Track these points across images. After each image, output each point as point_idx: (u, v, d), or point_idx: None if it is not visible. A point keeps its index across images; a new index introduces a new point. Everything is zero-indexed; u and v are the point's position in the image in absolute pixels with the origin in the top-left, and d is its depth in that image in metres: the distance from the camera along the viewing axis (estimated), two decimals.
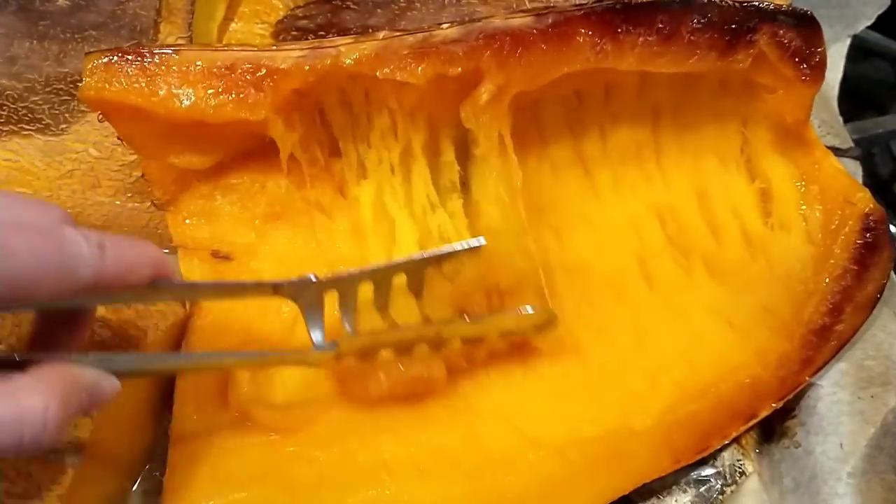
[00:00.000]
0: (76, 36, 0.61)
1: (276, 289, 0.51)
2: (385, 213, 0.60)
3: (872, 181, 0.69)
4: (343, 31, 0.64)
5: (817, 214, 0.62)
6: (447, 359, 0.58)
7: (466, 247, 0.56)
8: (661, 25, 0.57)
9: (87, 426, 0.52)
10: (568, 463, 0.57)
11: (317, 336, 0.52)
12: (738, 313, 0.63)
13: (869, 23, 0.77)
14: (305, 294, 0.52)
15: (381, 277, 0.55)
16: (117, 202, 0.62)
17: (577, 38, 0.56)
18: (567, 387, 0.61)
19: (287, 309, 0.60)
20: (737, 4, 0.57)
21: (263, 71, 0.54)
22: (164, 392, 0.58)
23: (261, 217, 0.61)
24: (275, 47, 0.56)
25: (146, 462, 0.59)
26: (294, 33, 0.64)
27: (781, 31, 0.58)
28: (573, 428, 0.59)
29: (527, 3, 0.69)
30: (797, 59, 0.59)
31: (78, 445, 0.51)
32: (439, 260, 0.56)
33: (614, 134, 0.66)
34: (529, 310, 0.59)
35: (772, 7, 0.58)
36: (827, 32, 0.61)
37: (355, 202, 0.61)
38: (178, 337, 0.59)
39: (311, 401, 0.58)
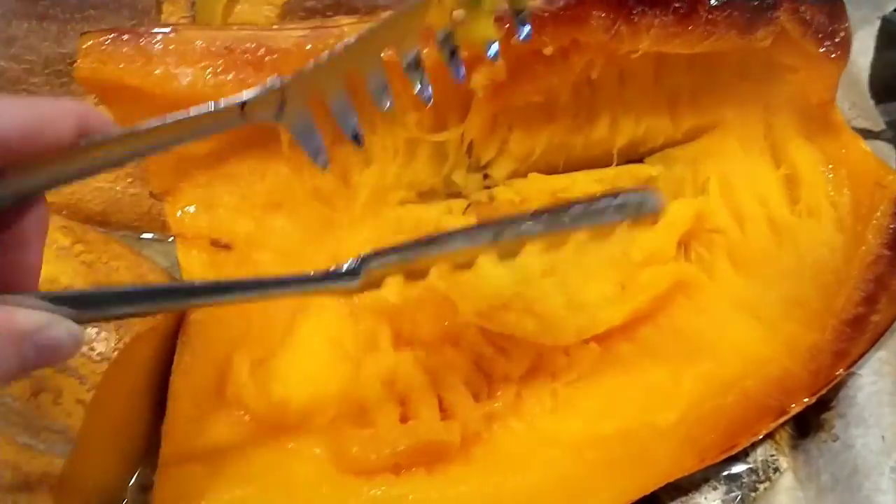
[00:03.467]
0: (76, 16, 0.61)
1: (246, 108, 0.38)
2: (387, 200, 0.58)
3: None
4: (352, 12, 0.63)
5: (847, 200, 0.59)
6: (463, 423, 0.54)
7: None
8: (677, 4, 0.55)
9: (79, 415, 0.49)
10: (585, 462, 0.54)
11: (321, 159, 0.41)
12: (766, 307, 0.60)
13: None
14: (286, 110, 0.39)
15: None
16: (117, 188, 0.61)
17: (591, 21, 0.54)
18: (584, 381, 0.58)
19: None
20: None
21: (263, 51, 0.53)
22: (164, 383, 0.56)
23: (261, 206, 0.59)
24: (276, 27, 0.55)
25: (144, 455, 0.56)
26: (301, 14, 0.63)
27: (803, 7, 0.56)
28: (591, 425, 0.56)
29: None
30: (821, 36, 0.56)
31: (68, 436, 0.49)
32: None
33: (629, 122, 0.64)
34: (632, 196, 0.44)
35: None
36: (855, 14, 0.58)
37: (358, 190, 0.59)
38: (173, 335, 0.56)
39: (311, 396, 0.55)
